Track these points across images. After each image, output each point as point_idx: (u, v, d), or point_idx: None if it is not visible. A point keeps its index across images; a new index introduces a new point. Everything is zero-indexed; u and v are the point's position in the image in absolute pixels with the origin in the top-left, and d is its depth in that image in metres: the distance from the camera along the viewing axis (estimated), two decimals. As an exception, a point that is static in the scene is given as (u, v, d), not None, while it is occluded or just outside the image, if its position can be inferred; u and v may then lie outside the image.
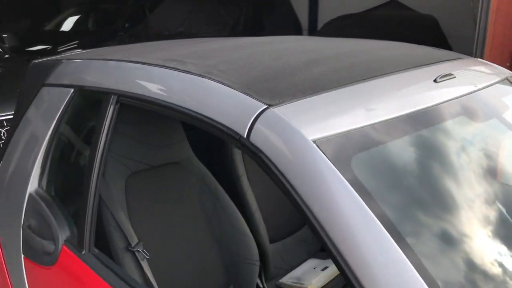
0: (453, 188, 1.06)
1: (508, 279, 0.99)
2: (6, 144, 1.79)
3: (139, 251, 1.57)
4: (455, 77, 1.31)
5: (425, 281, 0.82)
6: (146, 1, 8.28)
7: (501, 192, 1.18)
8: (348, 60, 1.38)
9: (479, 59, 1.68)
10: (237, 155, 2.07)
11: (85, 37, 7.61)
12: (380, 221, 0.85)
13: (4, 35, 5.99)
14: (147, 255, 1.57)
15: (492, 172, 1.16)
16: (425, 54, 1.55)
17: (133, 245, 1.56)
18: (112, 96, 1.37)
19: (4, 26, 9.63)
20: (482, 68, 1.55)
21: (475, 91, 1.30)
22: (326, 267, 2.14)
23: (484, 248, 1.05)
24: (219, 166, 2.01)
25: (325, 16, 7.84)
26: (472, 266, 0.99)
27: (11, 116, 3.78)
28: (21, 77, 4.55)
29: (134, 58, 1.47)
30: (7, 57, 5.34)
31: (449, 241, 1.00)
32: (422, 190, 1.03)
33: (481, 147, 1.22)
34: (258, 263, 1.84)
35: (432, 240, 0.96)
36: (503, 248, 1.08)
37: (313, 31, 8.52)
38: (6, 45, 5.65)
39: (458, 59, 1.57)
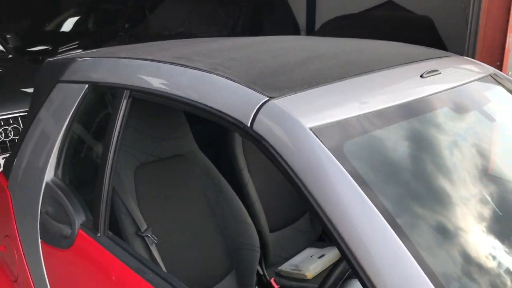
0: (434, 171, 1.18)
1: (499, 266, 1.09)
2: (21, 138, 1.90)
3: (148, 236, 1.68)
4: (440, 73, 1.42)
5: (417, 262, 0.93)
6: (146, 1, 8.38)
7: (484, 176, 1.30)
8: (343, 57, 1.49)
9: (465, 57, 1.79)
10: (239, 150, 2.17)
11: (85, 38, 7.70)
12: (367, 196, 0.97)
13: (7, 36, 6.08)
14: (155, 240, 1.68)
15: (470, 158, 1.28)
16: (414, 52, 1.67)
17: (142, 231, 1.68)
18: (125, 91, 1.48)
19: (5, 26, 9.71)
20: (467, 65, 1.66)
21: (458, 85, 1.41)
22: (322, 255, 2.23)
23: (476, 232, 1.15)
24: (222, 160, 2.11)
25: (322, 16, 7.95)
26: (464, 248, 1.09)
27: (17, 114, 3.92)
28: (22, 76, 4.66)
29: (144, 56, 1.58)
30: (10, 57, 5.42)
31: (437, 221, 1.11)
32: (405, 172, 1.16)
33: (461, 136, 1.34)
34: (258, 250, 1.94)
35: (418, 214, 1.07)
36: (495, 235, 1.19)
37: (310, 31, 8.62)
38: (10, 45, 5.73)
39: (445, 56, 1.69)
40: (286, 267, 2.19)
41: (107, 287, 1.44)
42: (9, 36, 6.16)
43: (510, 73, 3.46)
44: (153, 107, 1.82)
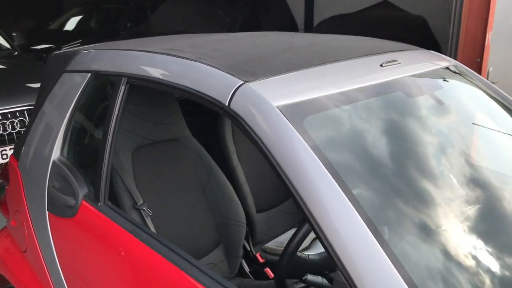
0: (381, 142, 1.38)
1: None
2: (31, 122, 2.11)
3: (144, 209, 1.88)
4: (399, 63, 1.62)
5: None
6: (148, 1, 8.59)
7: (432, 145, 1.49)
8: (313, 49, 1.69)
9: (431, 51, 1.98)
10: (229, 137, 2.36)
11: (88, 36, 7.90)
12: (320, 160, 1.17)
13: (13, 34, 6.30)
14: (150, 213, 1.88)
15: (416, 132, 1.49)
16: (380, 45, 1.86)
17: (139, 204, 1.88)
18: (123, 78, 1.68)
19: (11, 25, 9.93)
20: (428, 58, 1.86)
21: (413, 75, 1.62)
22: (306, 234, 2.43)
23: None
24: (213, 146, 2.31)
25: (320, 16, 8.13)
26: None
27: (23, 108, 4.14)
28: (27, 72, 4.89)
29: (141, 48, 1.79)
30: (15, 54, 5.65)
31: (381, 182, 1.29)
32: (355, 141, 1.37)
33: (411, 116, 1.54)
34: (244, 225, 2.14)
35: (364, 176, 1.27)
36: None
37: (309, 30, 8.80)
38: (16, 43, 5.95)
39: (410, 50, 1.88)
40: (271, 244, 2.37)
41: (107, 249, 1.64)
42: (15, 34, 6.38)
43: (491, 69, 3.65)
44: (148, 95, 2.03)
